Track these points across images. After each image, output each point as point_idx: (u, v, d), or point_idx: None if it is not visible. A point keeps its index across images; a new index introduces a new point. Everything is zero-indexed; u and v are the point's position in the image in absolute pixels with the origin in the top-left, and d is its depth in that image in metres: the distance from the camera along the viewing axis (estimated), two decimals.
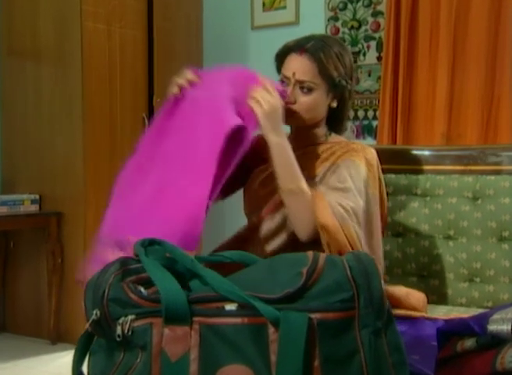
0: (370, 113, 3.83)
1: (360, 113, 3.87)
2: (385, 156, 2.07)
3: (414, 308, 1.63)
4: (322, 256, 1.07)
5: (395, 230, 2.04)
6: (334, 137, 1.79)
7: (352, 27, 3.93)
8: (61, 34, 3.30)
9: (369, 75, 3.84)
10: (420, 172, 2.04)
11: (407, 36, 3.60)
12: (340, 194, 1.60)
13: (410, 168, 2.05)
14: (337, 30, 3.98)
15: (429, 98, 3.56)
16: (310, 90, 1.67)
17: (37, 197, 3.40)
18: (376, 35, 3.84)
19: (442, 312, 1.80)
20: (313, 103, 1.68)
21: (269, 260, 1.14)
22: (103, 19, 3.30)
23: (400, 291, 1.66)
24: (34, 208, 3.37)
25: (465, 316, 1.58)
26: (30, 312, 3.51)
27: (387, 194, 2.04)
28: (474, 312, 1.76)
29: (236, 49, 4.27)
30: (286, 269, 1.08)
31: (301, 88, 1.67)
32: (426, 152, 2.07)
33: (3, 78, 3.61)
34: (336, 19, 3.98)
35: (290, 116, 1.67)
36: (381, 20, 3.80)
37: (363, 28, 3.89)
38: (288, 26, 4.10)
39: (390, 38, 3.64)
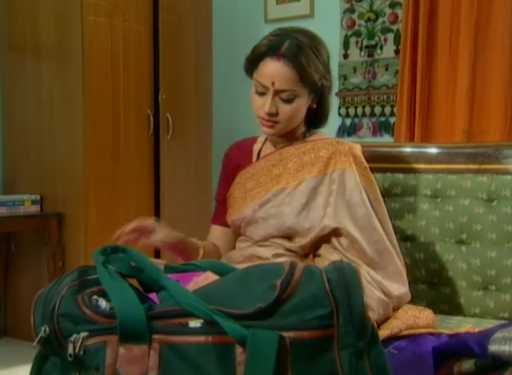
0: (387, 109, 3.74)
1: (377, 109, 3.77)
2: (393, 155, 1.99)
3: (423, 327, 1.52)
4: (300, 266, 0.98)
5: (403, 234, 1.94)
6: (314, 134, 1.71)
7: (368, 19, 3.83)
8: (61, 28, 3.24)
9: (386, 69, 3.74)
10: (430, 171, 1.94)
11: (425, 27, 3.49)
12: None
13: (419, 167, 1.95)
14: (353, 23, 3.88)
15: (449, 93, 3.46)
16: (291, 99, 1.57)
17: (38, 197, 3.34)
18: (394, 27, 3.73)
19: (452, 324, 1.69)
20: (295, 112, 1.60)
21: (243, 270, 1.05)
22: (105, 12, 3.23)
23: (406, 315, 1.55)
24: (35, 208, 3.31)
25: (477, 329, 1.49)
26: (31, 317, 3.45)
27: (395, 194, 1.96)
28: (488, 323, 1.65)
29: (248, 44, 4.13)
30: (260, 281, 0.99)
31: (281, 98, 1.57)
32: (437, 150, 1.96)
33: (3, 74, 3.57)
34: (352, 11, 3.88)
35: (270, 127, 1.59)
36: (399, 11, 3.69)
37: (380, 20, 3.79)
38: (302, 19, 4.01)
39: (408, 30, 3.53)
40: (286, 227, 1.60)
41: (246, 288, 0.99)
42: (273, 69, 1.55)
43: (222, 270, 1.09)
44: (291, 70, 1.54)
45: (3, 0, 3.52)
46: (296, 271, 0.97)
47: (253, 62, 1.61)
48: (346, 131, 3.85)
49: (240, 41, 4.14)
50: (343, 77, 3.87)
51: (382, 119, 3.75)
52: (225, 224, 1.79)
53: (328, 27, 3.89)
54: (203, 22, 3.84)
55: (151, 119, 3.49)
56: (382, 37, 3.76)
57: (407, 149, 2.00)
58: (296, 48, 1.54)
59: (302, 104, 1.60)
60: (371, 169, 1.76)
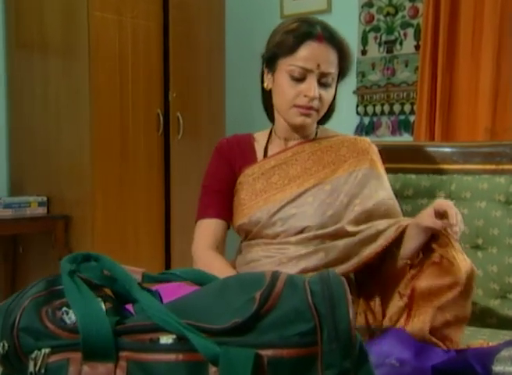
0: (407, 107, 3.65)
1: (396, 107, 3.68)
2: (404, 154, 1.92)
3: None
4: (283, 277, 0.90)
5: None
6: (322, 130, 1.65)
7: (388, 14, 3.75)
8: (68, 25, 3.20)
9: (406, 65, 3.66)
10: (444, 172, 1.86)
11: (447, 22, 3.40)
12: None
13: (432, 167, 1.88)
14: (371, 18, 3.80)
15: (472, 90, 3.36)
16: (330, 83, 1.52)
17: (45, 199, 3.30)
18: (414, 22, 3.65)
19: (464, 335, 1.60)
20: (330, 97, 1.55)
21: (222, 281, 0.98)
22: (113, 8, 3.18)
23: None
24: (42, 210, 3.28)
25: (490, 344, 1.40)
26: None
27: (406, 196, 1.88)
28: (504, 335, 1.57)
29: (263, 40, 4.08)
30: (239, 293, 0.92)
31: (321, 82, 1.51)
32: (451, 149, 1.87)
33: (11, 73, 3.54)
34: (370, 5, 3.80)
35: (309, 116, 1.53)
36: (419, 5, 3.60)
37: (399, 14, 3.70)
38: (319, 14, 3.93)
39: (429, 25, 3.45)
40: (306, 227, 1.54)
41: (224, 301, 0.92)
42: (318, 52, 1.50)
43: (202, 280, 1.02)
44: (334, 51, 1.52)
45: (11, 2, 3.50)
46: (278, 282, 0.90)
47: (288, 47, 1.53)
48: (364, 130, 3.78)
49: (255, 37, 4.05)
50: (361, 74, 3.79)
51: (402, 117, 3.67)
52: (228, 218, 1.67)
53: (346, 23, 3.82)
54: (216, 17, 3.78)
55: (161, 118, 3.43)
56: (402, 32, 3.68)
57: (420, 148, 1.91)
58: (332, 30, 1.53)
59: (334, 91, 1.57)
60: None
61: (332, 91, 1.54)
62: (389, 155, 1.91)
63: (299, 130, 1.62)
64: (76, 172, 3.22)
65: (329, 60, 1.50)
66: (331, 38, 1.50)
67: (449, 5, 3.38)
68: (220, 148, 1.71)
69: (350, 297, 0.85)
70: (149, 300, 0.91)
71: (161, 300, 1.07)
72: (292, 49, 1.53)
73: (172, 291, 1.20)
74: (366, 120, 3.78)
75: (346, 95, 3.80)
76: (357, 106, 3.80)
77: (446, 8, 3.38)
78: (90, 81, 3.11)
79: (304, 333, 0.84)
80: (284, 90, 1.55)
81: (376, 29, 3.77)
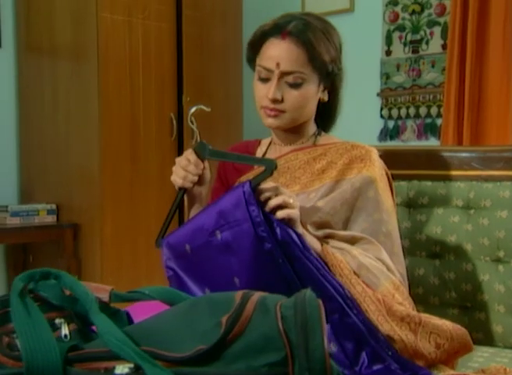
0: (433, 110, 3.56)
1: (422, 110, 3.59)
2: (419, 159, 1.82)
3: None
4: (254, 298, 0.82)
5: (430, 251, 1.76)
6: (324, 138, 1.56)
7: (413, 12, 3.66)
8: (77, 27, 3.18)
9: (432, 66, 3.57)
10: (462, 178, 1.75)
11: (476, 19, 3.32)
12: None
13: (449, 174, 1.77)
14: (396, 16, 3.71)
15: (502, 91, 3.28)
16: (299, 83, 1.42)
17: (54, 207, 3.27)
18: (441, 20, 3.56)
19: (482, 359, 1.50)
20: (303, 99, 1.45)
21: (192, 301, 0.90)
22: (122, 9, 3.14)
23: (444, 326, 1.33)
24: (51, 218, 3.24)
25: (508, 370, 1.30)
26: None
27: (421, 205, 1.78)
28: None
29: None
30: (208, 316, 0.84)
31: (287, 82, 1.43)
32: (470, 154, 1.76)
33: (22, 78, 3.53)
34: (395, 3, 3.72)
35: (275, 117, 1.44)
36: (446, 2, 3.52)
37: (426, 12, 3.61)
38: (342, 13, 3.89)
39: (457, 23, 3.37)
40: None
41: (191, 324, 0.84)
42: (278, 49, 1.42)
43: (173, 299, 0.95)
44: (298, 49, 1.41)
45: (21, 2, 3.49)
46: (248, 304, 0.81)
47: (254, 46, 1.48)
48: (388, 134, 3.69)
49: None
50: (386, 76, 3.70)
51: (428, 120, 3.58)
52: None
53: (370, 22, 3.76)
54: (232, 18, 3.72)
55: (175, 123, 3.38)
56: (428, 31, 3.60)
57: (436, 153, 1.81)
58: (304, 26, 1.42)
59: (311, 91, 1.46)
60: (394, 176, 1.60)
61: (302, 91, 1.44)
62: (402, 160, 1.82)
63: (286, 134, 1.54)
64: (85, 178, 3.18)
65: (291, 58, 1.41)
66: (298, 35, 1.40)
67: (478, 2, 3.30)
68: (220, 161, 1.69)
69: (325, 323, 0.76)
70: (106, 324, 0.84)
71: (130, 321, 1.00)
72: (257, 48, 1.48)
73: (152, 310, 1.13)
74: (390, 124, 3.69)
75: (370, 98, 3.73)
76: (381, 109, 3.71)
77: (474, 5, 3.29)
78: (98, 85, 3.07)
79: (274, 364, 0.76)
80: (254, 92, 1.51)
81: (401, 28, 3.68)
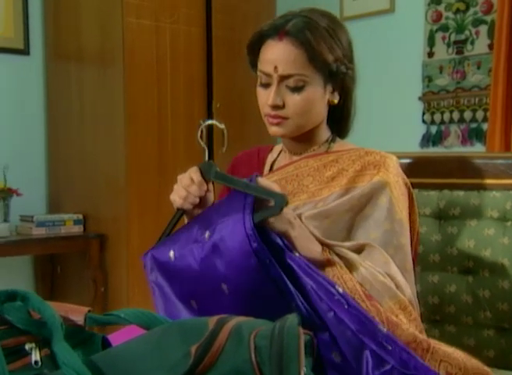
0: (479, 114, 3.43)
1: (467, 114, 3.46)
2: (450, 166, 1.72)
3: None
4: (228, 326, 0.75)
5: (463, 266, 1.67)
6: (339, 144, 1.46)
7: (458, 10, 3.53)
8: (103, 33, 3.18)
9: (478, 67, 3.44)
10: (498, 187, 1.65)
11: None
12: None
13: (484, 182, 1.67)
14: (439, 16, 3.59)
15: None
16: (300, 86, 1.34)
17: (81, 217, 3.26)
18: (487, 18, 3.42)
19: None
20: (307, 103, 1.36)
21: (164, 327, 0.83)
22: (149, 13, 3.12)
23: (456, 354, 1.23)
24: (78, 229, 3.24)
25: None
26: None
27: (452, 216, 1.68)
28: None
29: None
30: (178, 343, 0.77)
31: (288, 86, 1.35)
32: (507, 161, 1.66)
33: (49, 86, 3.55)
34: (437, 2, 3.61)
35: (278, 125, 1.36)
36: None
37: (471, 10, 3.48)
38: (382, 14, 3.80)
39: (504, 21, 3.25)
40: None
41: (160, 352, 0.78)
42: (275, 52, 1.34)
43: (149, 323, 0.88)
44: (296, 49, 1.33)
45: (49, 9, 3.51)
46: (222, 332, 0.74)
47: (253, 49, 1.41)
48: (430, 140, 3.57)
49: None
50: (428, 79, 3.59)
51: (473, 125, 3.45)
52: None
53: (411, 23, 3.66)
54: (265, 21, 3.65)
55: (204, 130, 3.34)
56: (474, 31, 3.47)
57: (470, 160, 1.70)
58: (304, 24, 1.34)
59: (316, 94, 1.37)
60: (423, 186, 1.51)
61: (304, 95, 1.36)
62: (432, 168, 1.74)
63: (295, 143, 1.46)
64: (111, 188, 3.17)
65: (289, 60, 1.33)
66: (296, 34, 1.32)
67: None
68: (228, 166, 1.64)
69: (303, 356, 0.68)
70: (66, 354, 0.78)
71: (107, 346, 0.94)
72: (256, 52, 1.41)
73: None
74: (433, 129, 3.57)
75: (411, 102, 3.63)
76: (423, 114, 3.60)
77: None
78: (124, 91, 3.06)
79: None
80: (258, 98, 1.44)
81: (444, 28, 3.56)
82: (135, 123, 3.10)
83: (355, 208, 1.32)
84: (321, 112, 1.42)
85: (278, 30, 1.35)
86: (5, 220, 3.20)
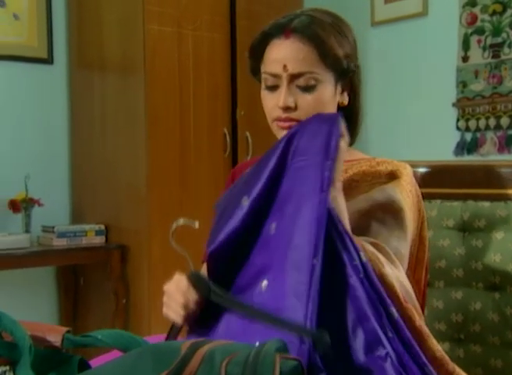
0: None
1: (504, 121, 3.37)
2: (475, 175, 1.66)
3: None
4: (202, 351, 0.70)
5: (488, 282, 1.62)
6: (349, 153, 1.40)
7: (494, 13, 3.45)
8: (124, 41, 3.18)
9: None
10: None
11: None
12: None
13: (511, 193, 1.59)
14: (474, 18, 3.51)
15: None
16: (312, 85, 1.28)
17: (103, 227, 3.24)
18: None
19: None
20: (319, 103, 1.31)
21: (139, 351, 0.78)
22: (171, 20, 3.10)
23: None
24: (100, 239, 3.23)
25: None
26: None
27: (477, 229, 1.61)
28: None
29: None
30: (151, 368, 0.73)
31: (298, 86, 1.29)
32: None
33: (73, 95, 3.56)
34: (472, 4, 3.52)
35: (289, 128, 1.31)
36: None
37: (508, 12, 3.41)
38: (414, 18, 3.75)
39: None
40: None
41: None
42: (283, 50, 1.29)
43: (126, 345, 0.83)
44: (305, 46, 1.28)
45: (72, 17, 3.54)
46: (194, 358, 0.70)
47: (256, 52, 1.36)
48: (465, 148, 3.48)
49: None
50: (462, 84, 3.50)
51: (511, 132, 3.34)
52: None
53: (445, 26, 3.59)
54: None
55: (228, 138, 3.30)
56: (511, 33, 3.36)
57: (495, 169, 1.63)
58: (309, 20, 1.30)
59: (328, 94, 1.32)
60: (446, 196, 1.44)
61: (316, 94, 1.30)
62: (455, 178, 1.67)
63: None
64: (133, 199, 3.15)
65: (299, 57, 1.28)
66: (303, 30, 1.27)
67: None
68: (228, 178, 1.62)
69: None
70: None
71: (85, 369, 0.90)
72: (259, 54, 1.36)
73: None
74: (468, 136, 3.48)
75: (445, 108, 3.55)
76: (458, 121, 3.52)
77: None
78: (146, 99, 3.04)
79: None
80: (263, 103, 1.38)
81: (480, 31, 3.48)
82: (157, 132, 3.09)
83: (363, 211, 1.27)
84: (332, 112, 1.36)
85: (283, 29, 1.30)
86: (27, 231, 3.20)
